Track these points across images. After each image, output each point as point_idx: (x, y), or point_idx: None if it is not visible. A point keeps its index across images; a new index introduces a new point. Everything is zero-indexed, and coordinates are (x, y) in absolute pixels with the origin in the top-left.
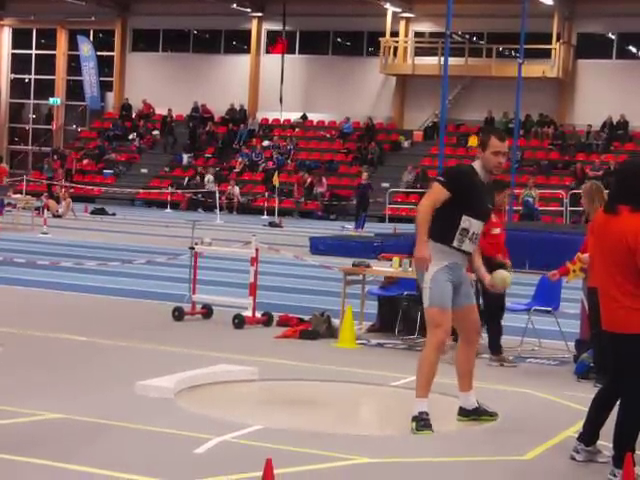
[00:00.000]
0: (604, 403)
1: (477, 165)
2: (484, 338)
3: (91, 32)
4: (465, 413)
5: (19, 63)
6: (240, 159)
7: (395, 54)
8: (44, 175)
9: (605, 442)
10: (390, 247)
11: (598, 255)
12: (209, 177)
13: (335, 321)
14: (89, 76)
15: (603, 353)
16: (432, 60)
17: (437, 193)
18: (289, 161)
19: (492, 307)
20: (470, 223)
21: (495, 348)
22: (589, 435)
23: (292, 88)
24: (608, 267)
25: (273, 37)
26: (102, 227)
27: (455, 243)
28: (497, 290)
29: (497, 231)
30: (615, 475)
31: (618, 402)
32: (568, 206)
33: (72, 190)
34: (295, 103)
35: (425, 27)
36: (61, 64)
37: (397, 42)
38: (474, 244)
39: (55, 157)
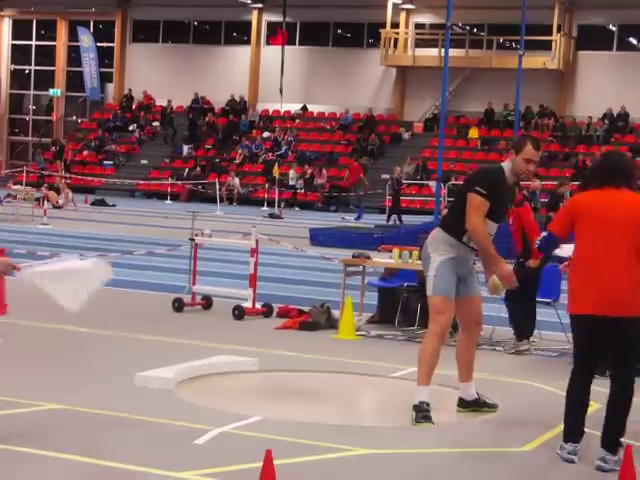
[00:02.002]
0: (583, 397)
1: (506, 166)
2: (484, 329)
3: (91, 23)
4: (465, 404)
5: (19, 54)
6: (240, 150)
7: (395, 46)
8: (37, 166)
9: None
10: (390, 238)
11: (600, 236)
12: (292, 172)
13: (335, 312)
14: (89, 67)
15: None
16: (432, 52)
17: (482, 206)
18: (289, 152)
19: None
20: (486, 224)
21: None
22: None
23: (292, 79)
24: (615, 246)
25: (273, 28)
26: (102, 218)
27: (464, 239)
28: (493, 295)
29: None
30: (606, 462)
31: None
32: (568, 198)
33: (69, 181)
34: (295, 94)
35: (425, 18)
36: (61, 55)
37: (397, 34)
38: None
39: (53, 148)
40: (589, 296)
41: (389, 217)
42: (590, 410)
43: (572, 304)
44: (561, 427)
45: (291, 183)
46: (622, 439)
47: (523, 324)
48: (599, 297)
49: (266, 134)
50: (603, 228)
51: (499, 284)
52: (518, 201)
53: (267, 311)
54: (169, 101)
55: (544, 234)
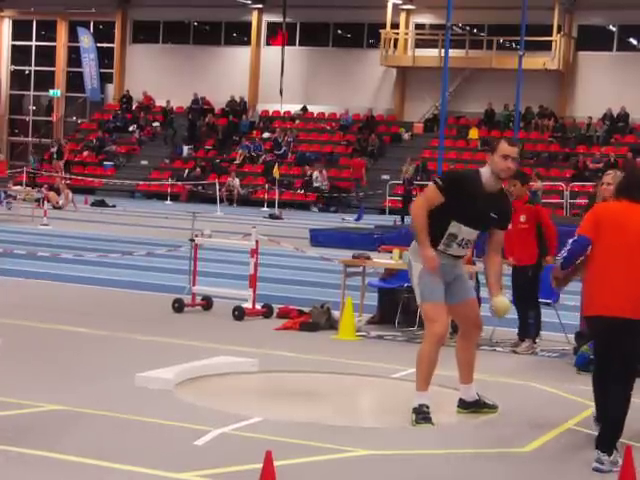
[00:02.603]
0: (607, 392)
1: (485, 171)
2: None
3: (91, 23)
4: (465, 405)
5: (19, 55)
6: (240, 151)
7: (395, 46)
8: (29, 166)
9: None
10: (390, 239)
11: (615, 244)
12: (316, 174)
13: (335, 313)
14: (89, 68)
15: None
16: (432, 52)
17: (431, 195)
18: (289, 153)
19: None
20: (459, 229)
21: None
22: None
23: (292, 80)
24: (628, 254)
25: (273, 29)
26: (102, 219)
27: (441, 247)
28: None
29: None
30: (602, 463)
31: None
32: (568, 198)
33: (69, 182)
34: (295, 95)
35: (425, 19)
36: (61, 56)
37: (397, 34)
38: (465, 249)
39: (52, 149)
40: (603, 298)
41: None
42: (591, 411)
43: (587, 306)
44: (562, 427)
45: (315, 185)
46: (619, 441)
47: (530, 325)
48: (612, 299)
49: (266, 135)
50: (618, 237)
51: (502, 306)
52: (527, 200)
53: (267, 312)
54: (168, 101)
55: (576, 238)
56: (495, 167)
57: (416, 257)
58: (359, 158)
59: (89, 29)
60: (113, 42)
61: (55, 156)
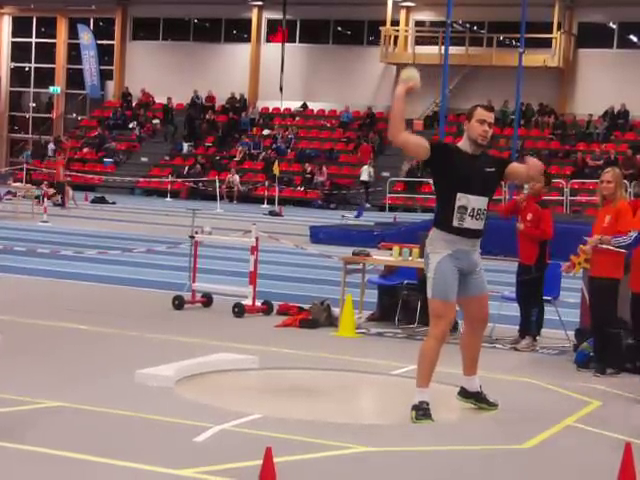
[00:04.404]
0: None
1: (463, 141)
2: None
3: (91, 20)
4: (465, 394)
5: (19, 51)
6: (240, 148)
7: (395, 43)
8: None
9: None
10: (390, 236)
11: None
12: (367, 168)
13: (335, 310)
14: (89, 65)
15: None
16: (433, 49)
17: (421, 140)
18: (289, 150)
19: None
20: (467, 200)
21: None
22: None
23: (292, 77)
24: None
25: (273, 26)
26: (102, 216)
27: (455, 222)
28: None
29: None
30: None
31: None
32: (568, 195)
33: (69, 178)
34: (295, 92)
35: (426, 16)
36: (61, 52)
37: (397, 31)
38: (479, 221)
39: (52, 145)
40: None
41: None
42: (590, 408)
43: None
44: (562, 424)
45: (363, 178)
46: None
47: (532, 322)
48: None
49: (266, 132)
50: None
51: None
52: (539, 200)
53: (267, 309)
54: (169, 98)
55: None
56: (473, 133)
57: (433, 249)
58: (365, 143)
59: (89, 26)
60: (113, 39)
61: (52, 154)
